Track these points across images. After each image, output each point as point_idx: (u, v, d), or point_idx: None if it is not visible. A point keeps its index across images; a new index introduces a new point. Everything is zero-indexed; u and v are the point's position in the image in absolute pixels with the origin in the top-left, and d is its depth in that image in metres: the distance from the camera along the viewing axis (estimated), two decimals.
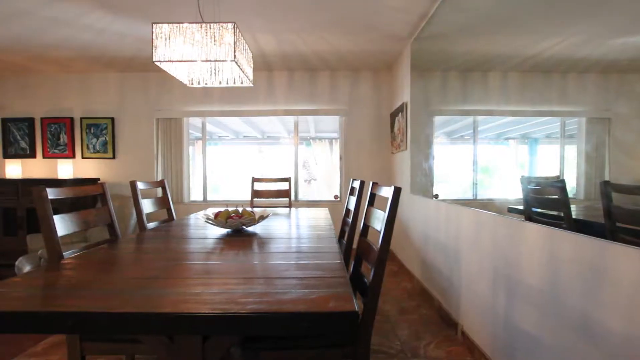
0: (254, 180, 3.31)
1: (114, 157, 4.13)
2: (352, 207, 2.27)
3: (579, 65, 3.06)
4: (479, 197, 3.94)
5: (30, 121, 4.12)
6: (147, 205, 2.21)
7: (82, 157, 4.14)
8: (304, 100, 4.11)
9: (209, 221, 1.81)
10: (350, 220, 2.20)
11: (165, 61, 1.69)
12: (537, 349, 1.44)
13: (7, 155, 4.15)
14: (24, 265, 2.97)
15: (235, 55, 1.69)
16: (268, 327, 0.82)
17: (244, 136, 7.00)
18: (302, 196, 4.37)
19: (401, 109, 3.50)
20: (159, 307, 0.85)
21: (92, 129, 4.11)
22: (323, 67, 3.97)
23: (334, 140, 7.03)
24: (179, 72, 1.98)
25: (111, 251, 1.47)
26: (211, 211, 2.47)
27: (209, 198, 4.28)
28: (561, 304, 1.30)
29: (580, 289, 1.21)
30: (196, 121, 4.34)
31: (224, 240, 1.67)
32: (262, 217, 1.84)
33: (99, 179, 4.11)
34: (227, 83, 2.12)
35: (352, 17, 2.76)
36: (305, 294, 0.95)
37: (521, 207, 2.79)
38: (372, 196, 1.75)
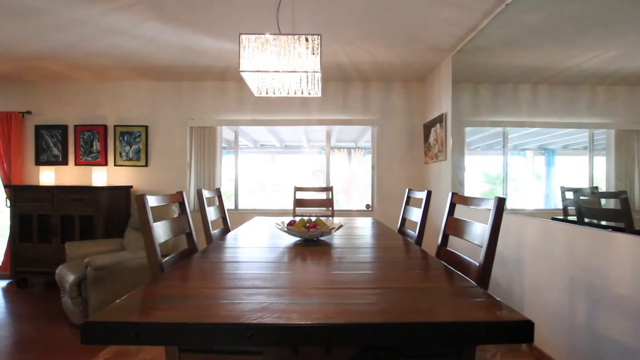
0: (297, 189, 3.31)
1: (146, 165, 4.13)
2: (413, 217, 2.29)
3: (610, 78, 3.11)
4: (508, 207, 3.98)
5: (63, 128, 4.12)
6: (210, 213, 2.21)
7: (115, 165, 4.14)
8: (337, 110, 4.14)
9: (287, 230, 1.82)
10: (414, 231, 2.22)
11: (252, 71, 1.71)
12: (632, 358, 1.44)
13: (39, 162, 4.14)
14: (66, 274, 2.94)
15: (320, 66, 1.71)
16: (441, 336, 0.83)
17: (261, 145, 7.04)
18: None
19: (439, 119, 3.54)
20: (318, 318, 0.85)
21: (125, 137, 4.11)
22: (357, 77, 4.02)
23: (352, 150, 7.09)
24: (252, 82, 2.00)
25: (207, 261, 1.47)
26: (258, 220, 2.47)
27: (240, 207, 4.27)
28: None
29: None
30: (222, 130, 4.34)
31: (306, 249, 1.67)
32: (341, 226, 1.85)
33: (131, 186, 4.10)
34: (295, 93, 2.14)
35: (400, 29, 2.81)
36: (455, 304, 0.95)
37: (560, 217, 2.81)
38: (452, 206, 1.77)
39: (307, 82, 2.05)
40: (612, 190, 2.89)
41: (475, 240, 1.46)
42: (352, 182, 6.96)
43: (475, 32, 2.84)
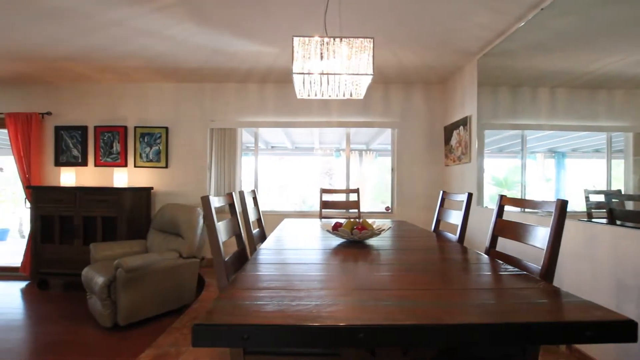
0: (323, 191, 3.32)
1: (166, 167, 4.13)
2: (451, 219, 2.30)
3: (630, 82, 3.15)
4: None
5: (83, 129, 4.11)
6: (251, 215, 2.22)
7: (135, 166, 4.13)
8: (356, 112, 4.16)
9: (338, 232, 1.82)
10: (447, 232, 2.23)
11: (306, 73, 1.72)
12: None
13: (58, 163, 4.12)
14: (94, 276, 2.93)
15: (373, 69, 1.73)
16: (549, 336, 0.84)
17: (272, 146, 7.05)
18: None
19: (463, 122, 3.57)
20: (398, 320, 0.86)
21: (145, 138, 4.11)
22: (378, 80, 4.04)
23: (363, 152, 7.11)
24: (299, 84, 2.01)
25: (272, 263, 1.47)
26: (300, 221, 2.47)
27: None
28: None
29: None
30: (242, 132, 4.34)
31: (357, 251, 1.67)
32: (389, 227, 1.86)
33: (152, 187, 4.09)
34: (337, 96, 2.15)
35: (431, 32, 2.83)
36: (548, 305, 0.96)
37: (584, 219, 2.84)
38: (501, 208, 1.78)
39: (351, 84, 2.06)
40: (631, 192, 2.92)
41: (535, 242, 1.47)
42: (364, 184, 6.98)
43: (505, 36, 2.86)
